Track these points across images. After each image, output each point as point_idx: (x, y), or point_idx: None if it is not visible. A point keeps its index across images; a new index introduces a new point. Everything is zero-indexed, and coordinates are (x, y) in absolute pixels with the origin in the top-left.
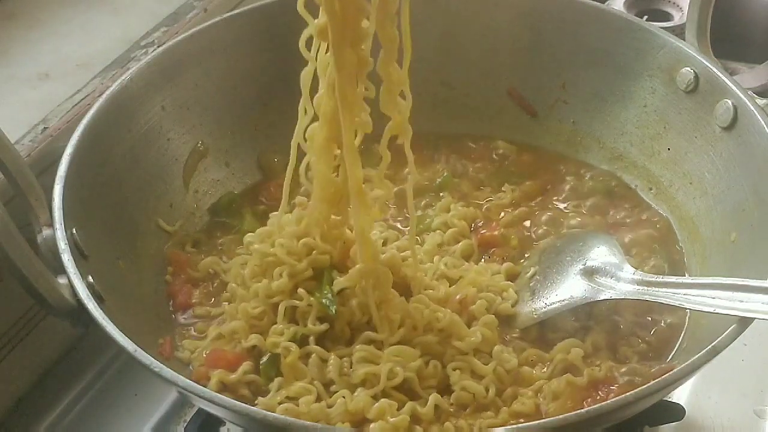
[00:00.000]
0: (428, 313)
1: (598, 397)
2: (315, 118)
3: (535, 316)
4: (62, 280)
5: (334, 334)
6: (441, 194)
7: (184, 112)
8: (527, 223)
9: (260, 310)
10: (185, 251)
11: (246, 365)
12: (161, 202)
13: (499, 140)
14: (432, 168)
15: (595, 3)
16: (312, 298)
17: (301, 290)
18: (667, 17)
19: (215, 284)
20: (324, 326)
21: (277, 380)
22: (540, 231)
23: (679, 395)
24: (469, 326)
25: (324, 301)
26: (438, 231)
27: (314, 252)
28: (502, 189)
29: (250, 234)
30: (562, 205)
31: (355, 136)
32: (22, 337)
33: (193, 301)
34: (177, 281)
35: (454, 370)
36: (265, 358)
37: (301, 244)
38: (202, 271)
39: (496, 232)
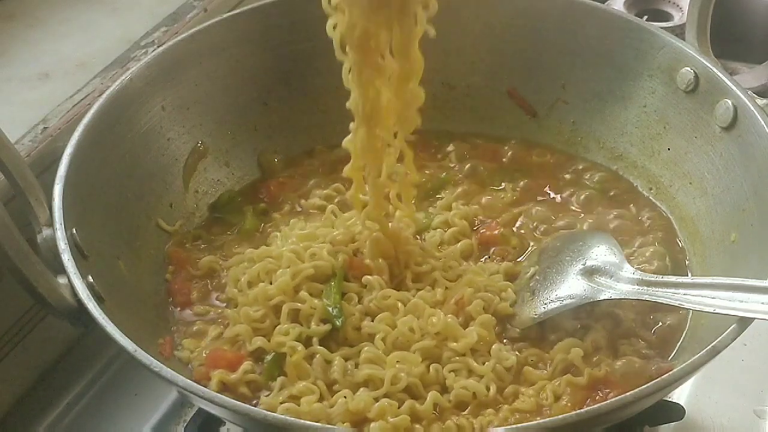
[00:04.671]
0: (419, 323)
1: (598, 397)
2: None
3: (535, 316)
4: (62, 280)
5: (338, 336)
6: (442, 192)
7: (184, 112)
8: (527, 223)
9: (261, 313)
10: (185, 249)
11: (246, 365)
12: (161, 202)
13: (500, 140)
14: (432, 167)
15: (595, 3)
16: (316, 301)
17: (303, 293)
18: (667, 17)
19: (214, 283)
20: (327, 327)
21: (280, 379)
22: (540, 230)
23: (679, 395)
24: (466, 327)
25: (330, 309)
26: (438, 229)
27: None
28: (503, 188)
29: (251, 251)
30: (562, 204)
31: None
32: (22, 337)
33: (193, 298)
34: (177, 280)
35: (450, 372)
36: (268, 357)
37: (308, 255)
38: (202, 270)
39: (496, 232)
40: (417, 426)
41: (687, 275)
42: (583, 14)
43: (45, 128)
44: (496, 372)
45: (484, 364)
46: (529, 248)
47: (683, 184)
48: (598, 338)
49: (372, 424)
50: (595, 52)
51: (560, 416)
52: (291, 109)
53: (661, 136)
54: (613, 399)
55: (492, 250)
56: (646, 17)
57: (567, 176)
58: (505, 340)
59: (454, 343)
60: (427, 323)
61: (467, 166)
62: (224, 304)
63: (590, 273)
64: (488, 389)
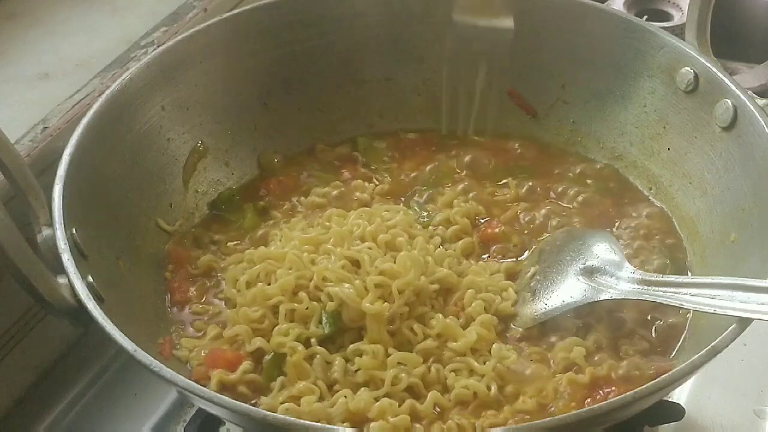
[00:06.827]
0: (419, 326)
1: (599, 397)
2: None
3: (536, 317)
4: (62, 280)
5: (336, 339)
6: (440, 189)
7: (184, 112)
8: (529, 221)
9: (260, 314)
10: (184, 247)
11: (246, 365)
12: (161, 201)
13: (501, 139)
14: (432, 164)
15: (595, 3)
16: (315, 303)
17: (301, 293)
18: (667, 17)
19: (213, 282)
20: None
21: (280, 379)
22: (541, 228)
23: (679, 395)
24: (467, 328)
25: (324, 319)
26: (440, 227)
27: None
28: (505, 186)
29: (250, 252)
30: (563, 203)
31: None
32: (22, 337)
33: (191, 297)
34: (176, 278)
35: (451, 372)
36: (268, 357)
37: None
38: (201, 268)
39: (497, 230)
40: (417, 426)
41: (687, 275)
42: (583, 14)
43: (45, 128)
44: (497, 371)
45: (485, 363)
46: (530, 246)
47: (683, 184)
48: (600, 337)
49: (372, 424)
50: (595, 52)
51: (560, 416)
52: (291, 108)
53: (661, 136)
54: (613, 399)
55: (493, 248)
56: (646, 17)
57: (567, 175)
58: (507, 339)
59: (454, 343)
60: (428, 325)
61: (468, 164)
62: (223, 303)
63: (590, 272)
64: (489, 389)
